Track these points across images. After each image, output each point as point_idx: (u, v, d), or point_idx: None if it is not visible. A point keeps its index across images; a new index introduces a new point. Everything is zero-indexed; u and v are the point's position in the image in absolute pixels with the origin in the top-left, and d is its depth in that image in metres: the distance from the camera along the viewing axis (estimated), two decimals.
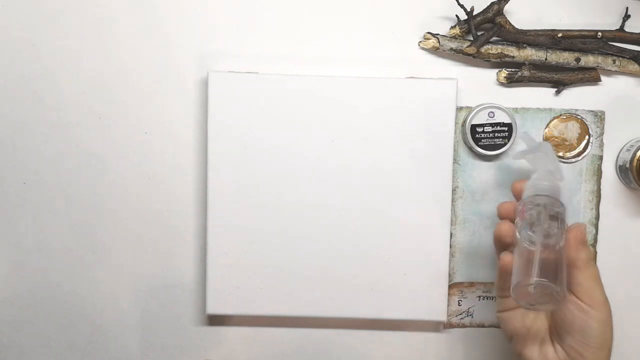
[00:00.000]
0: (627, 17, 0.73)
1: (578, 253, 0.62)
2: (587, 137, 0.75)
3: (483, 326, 0.77)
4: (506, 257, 0.63)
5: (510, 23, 0.72)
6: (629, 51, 0.73)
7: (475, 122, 0.72)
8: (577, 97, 0.75)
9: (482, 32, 0.72)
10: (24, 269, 0.76)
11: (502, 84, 0.75)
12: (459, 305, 0.77)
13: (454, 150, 0.74)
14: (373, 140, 0.72)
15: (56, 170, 0.75)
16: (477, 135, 0.73)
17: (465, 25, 0.72)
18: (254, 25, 0.74)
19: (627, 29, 0.74)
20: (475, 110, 0.72)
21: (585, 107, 0.75)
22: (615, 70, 0.74)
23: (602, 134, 0.75)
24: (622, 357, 0.78)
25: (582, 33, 0.73)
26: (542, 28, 0.73)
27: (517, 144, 0.74)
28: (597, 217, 0.76)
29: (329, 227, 0.73)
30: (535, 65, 0.74)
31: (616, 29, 0.74)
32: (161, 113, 0.75)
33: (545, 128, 0.75)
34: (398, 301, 0.74)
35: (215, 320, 0.77)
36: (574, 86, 0.75)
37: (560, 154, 0.75)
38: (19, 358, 0.78)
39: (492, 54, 0.72)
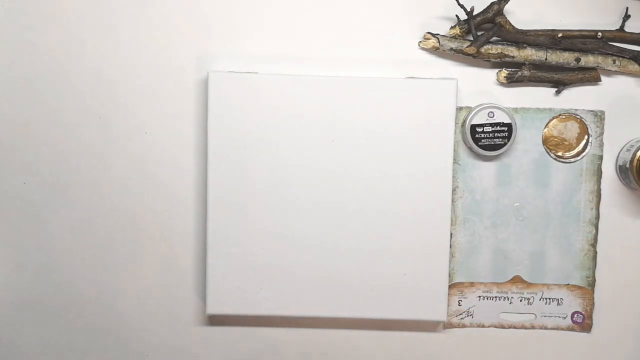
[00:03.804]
0: (627, 17, 0.73)
1: None
2: (586, 136, 0.75)
3: (483, 326, 0.77)
4: None
5: (510, 23, 0.72)
6: (629, 51, 0.73)
7: (475, 122, 0.72)
8: (577, 97, 0.75)
9: (482, 32, 0.72)
10: (24, 269, 0.76)
11: (502, 84, 0.75)
12: (459, 305, 0.77)
13: (454, 150, 0.74)
14: (373, 140, 0.72)
15: (56, 170, 0.75)
16: (477, 135, 0.73)
17: (465, 25, 0.72)
18: (254, 25, 0.74)
19: (627, 29, 0.74)
20: (475, 110, 0.72)
21: (585, 107, 0.75)
22: (615, 70, 0.74)
23: (602, 133, 0.75)
24: (622, 357, 0.78)
25: (582, 33, 0.73)
26: (542, 28, 0.73)
27: (517, 144, 0.74)
28: (597, 217, 0.76)
29: (329, 227, 0.73)
30: (535, 65, 0.74)
31: (616, 29, 0.74)
32: (161, 113, 0.75)
33: (545, 128, 0.75)
34: (398, 301, 0.74)
35: (215, 320, 0.77)
36: (574, 86, 0.75)
37: (560, 153, 0.75)
38: (19, 358, 0.78)
39: (492, 54, 0.72)
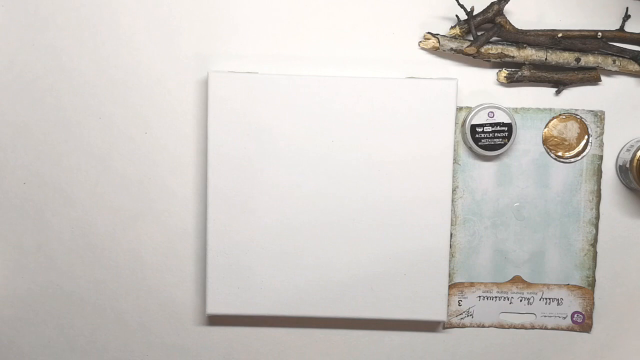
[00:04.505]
0: (627, 17, 0.73)
1: None
2: (586, 136, 0.75)
3: (483, 326, 0.77)
4: None
5: (510, 23, 0.72)
6: (629, 51, 0.73)
7: (475, 122, 0.72)
8: (577, 97, 0.75)
9: (482, 32, 0.72)
10: (24, 269, 0.76)
11: (502, 84, 0.75)
12: (459, 305, 0.77)
13: (454, 150, 0.74)
14: (373, 140, 0.72)
15: (56, 170, 0.75)
16: (477, 135, 0.73)
17: (465, 25, 0.72)
18: (254, 25, 0.74)
19: (627, 29, 0.74)
20: (475, 110, 0.72)
21: (585, 107, 0.75)
22: (615, 70, 0.74)
23: (602, 133, 0.75)
24: (622, 357, 0.78)
25: (582, 33, 0.73)
26: (542, 28, 0.73)
27: (517, 144, 0.74)
28: (597, 217, 0.76)
29: (329, 227, 0.73)
30: (535, 65, 0.74)
31: (616, 29, 0.74)
32: (161, 113, 0.75)
33: (545, 128, 0.75)
34: (398, 301, 0.74)
35: (215, 320, 0.77)
36: (574, 86, 0.75)
37: (560, 153, 0.75)
38: (19, 358, 0.78)
39: (492, 54, 0.72)
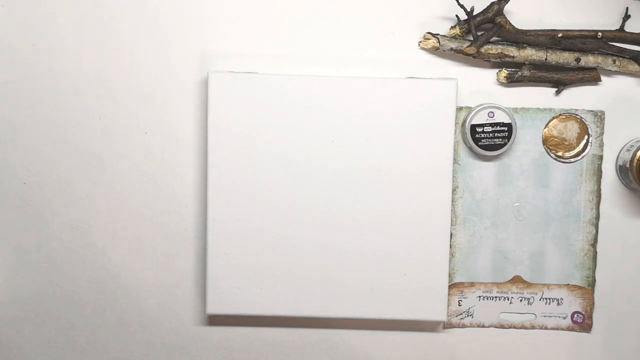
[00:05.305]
0: (627, 17, 0.73)
1: None
2: (586, 136, 0.75)
3: (483, 326, 0.77)
4: None
5: (510, 23, 0.72)
6: (629, 51, 0.73)
7: (475, 122, 0.72)
8: (577, 97, 0.75)
9: (482, 32, 0.72)
10: (24, 269, 0.76)
11: (502, 84, 0.75)
12: (459, 305, 0.77)
13: (454, 150, 0.74)
14: (373, 140, 0.72)
15: (56, 170, 0.75)
16: (477, 135, 0.73)
17: (465, 25, 0.72)
18: (254, 25, 0.74)
19: (627, 29, 0.74)
20: (475, 110, 0.72)
21: (585, 107, 0.75)
22: (615, 70, 0.74)
23: (602, 134, 0.75)
24: (622, 357, 0.78)
25: (582, 33, 0.73)
26: (542, 28, 0.74)
27: (517, 144, 0.74)
28: (597, 217, 0.76)
29: (329, 227, 0.73)
30: (535, 65, 0.74)
31: (616, 29, 0.74)
32: (161, 113, 0.75)
33: (545, 128, 0.75)
34: (398, 301, 0.74)
35: (215, 320, 0.77)
36: (574, 86, 0.75)
37: (560, 153, 0.75)
38: (19, 358, 0.78)
39: (492, 54, 0.72)
